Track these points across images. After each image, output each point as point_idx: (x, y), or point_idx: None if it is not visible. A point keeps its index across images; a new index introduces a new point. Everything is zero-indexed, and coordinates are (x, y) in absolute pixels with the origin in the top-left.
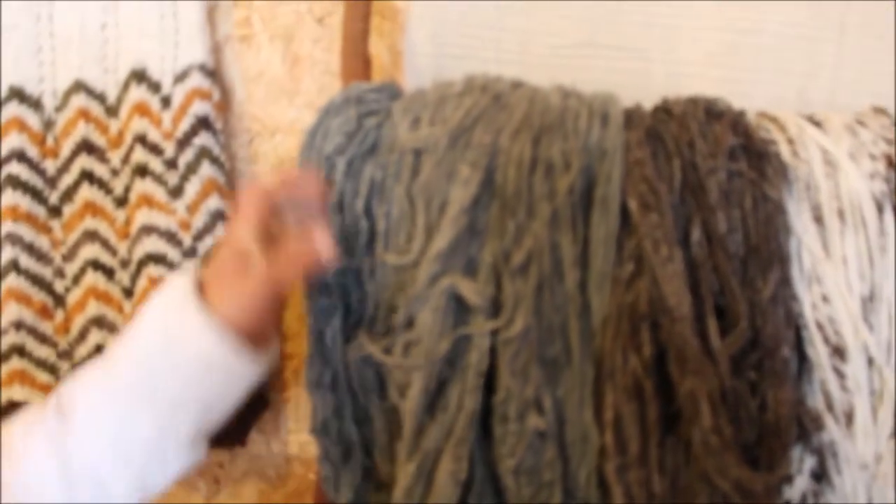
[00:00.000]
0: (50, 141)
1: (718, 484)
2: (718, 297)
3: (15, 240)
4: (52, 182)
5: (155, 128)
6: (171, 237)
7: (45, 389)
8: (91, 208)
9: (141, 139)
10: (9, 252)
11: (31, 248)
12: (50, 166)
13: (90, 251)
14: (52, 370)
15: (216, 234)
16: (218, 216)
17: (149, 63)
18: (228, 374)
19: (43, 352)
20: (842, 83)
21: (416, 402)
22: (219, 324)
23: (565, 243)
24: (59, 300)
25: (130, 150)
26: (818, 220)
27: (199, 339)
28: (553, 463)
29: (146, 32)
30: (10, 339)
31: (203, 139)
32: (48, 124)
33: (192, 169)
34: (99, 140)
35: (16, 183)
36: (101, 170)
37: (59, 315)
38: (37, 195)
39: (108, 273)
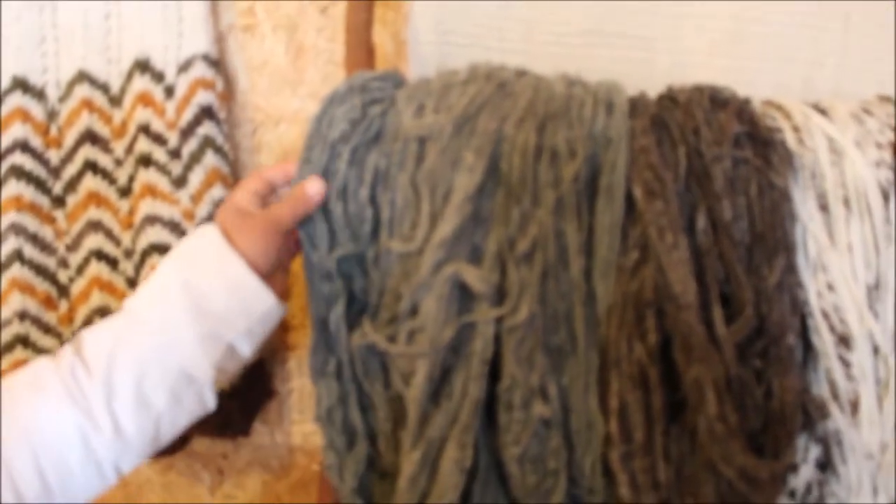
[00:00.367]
0: (53, 131)
1: (724, 471)
2: (724, 285)
3: (19, 230)
4: (55, 172)
5: (158, 118)
6: (174, 227)
7: None
8: (95, 198)
9: (144, 129)
10: (13, 242)
11: (34, 239)
12: (53, 156)
13: (94, 241)
14: None
15: None
16: None
17: (152, 53)
18: (258, 301)
19: (47, 342)
20: (847, 71)
21: (420, 389)
22: (245, 260)
23: (570, 231)
24: (63, 290)
25: (134, 140)
26: (824, 207)
27: (234, 265)
28: (558, 451)
29: (149, 22)
30: (15, 329)
31: (207, 129)
32: (52, 114)
33: (195, 159)
34: (102, 130)
35: (19, 173)
36: (104, 160)
37: (63, 305)
38: (40, 185)
39: (112, 263)
